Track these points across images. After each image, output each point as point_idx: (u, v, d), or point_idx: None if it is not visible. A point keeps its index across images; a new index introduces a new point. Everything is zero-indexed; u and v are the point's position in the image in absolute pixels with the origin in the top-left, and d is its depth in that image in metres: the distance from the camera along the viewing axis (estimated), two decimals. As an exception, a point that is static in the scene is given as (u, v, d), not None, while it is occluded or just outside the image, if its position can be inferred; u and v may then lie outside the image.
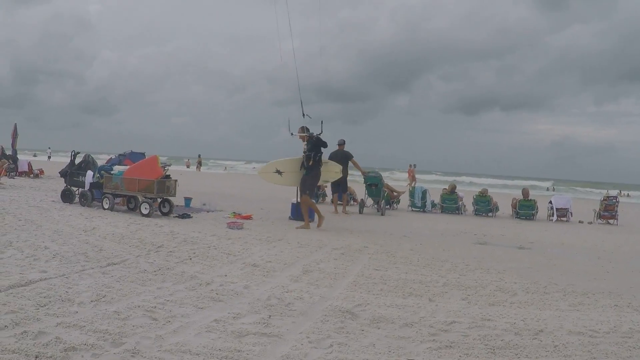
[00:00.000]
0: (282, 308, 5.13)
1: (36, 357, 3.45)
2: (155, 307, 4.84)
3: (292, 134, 12.45)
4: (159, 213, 11.80)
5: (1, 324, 3.96)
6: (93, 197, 12.49)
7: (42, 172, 23.32)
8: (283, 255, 7.92)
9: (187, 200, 14.25)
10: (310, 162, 11.77)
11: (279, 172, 12.71)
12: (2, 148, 21.76)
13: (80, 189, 12.89)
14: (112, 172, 12.21)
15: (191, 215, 12.12)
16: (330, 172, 13.32)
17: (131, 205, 12.17)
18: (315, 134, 12.00)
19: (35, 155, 54.58)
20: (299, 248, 8.68)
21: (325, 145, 12.11)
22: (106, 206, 11.93)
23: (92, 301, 4.84)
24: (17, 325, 4.00)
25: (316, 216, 11.85)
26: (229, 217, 12.15)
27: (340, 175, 13.86)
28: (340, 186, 15.66)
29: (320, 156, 11.91)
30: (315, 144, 11.85)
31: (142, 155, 13.68)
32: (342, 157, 15.28)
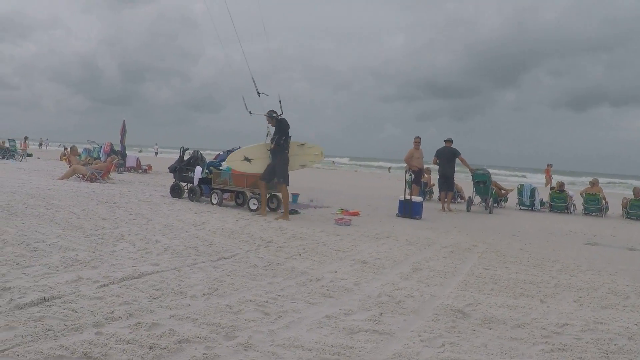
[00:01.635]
0: (393, 306, 5.18)
1: (150, 348, 3.64)
2: (267, 301, 4.98)
3: (250, 113, 12.21)
4: (267, 208, 12.08)
5: (116, 315, 4.22)
6: (202, 192, 13.10)
7: (150, 167, 24.73)
8: (392, 253, 8.05)
9: (295, 196, 14.65)
10: (272, 146, 11.37)
11: (247, 159, 12.14)
12: (112, 144, 23.26)
13: (189, 184, 13.54)
14: (220, 167, 12.74)
15: (299, 211, 12.47)
16: (309, 155, 12.44)
17: (239, 201, 12.68)
18: (278, 116, 11.56)
19: (141, 151, 57.92)
20: (408, 245, 8.81)
21: (286, 127, 11.42)
22: (214, 201, 12.47)
23: (204, 294, 5.05)
24: (131, 316, 4.24)
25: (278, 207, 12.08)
26: (337, 214, 12.51)
27: (322, 157, 12.94)
28: (447, 184, 15.98)
29: (284, 139, 11.36)
30: (279, 127, 11.38)
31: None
32: (450, 155, 15.78)
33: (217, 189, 12.62)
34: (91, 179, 16.59)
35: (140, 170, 23.78)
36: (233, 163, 12.43)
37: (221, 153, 14.73)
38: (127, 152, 25.10)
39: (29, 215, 8.78)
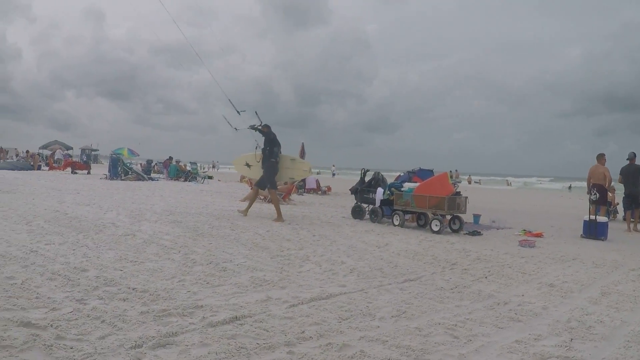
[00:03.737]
0: (583, 331, 5.04)
1: (343, 370, 3.76)
2: (455, 325, 4.98)
3: (235, 129, 13.64)
4: (449, 230, 12.21)
5: (306, 335, 4.42)
6: (383, 213, 13.33)
7: (329, 188, 25.57)
8: (579, 276, 7.88)
9: (476, 217, 14.71)
10: (261, 157, 13.16)
11: (247, 165, 14.04)
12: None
13: (370, 206, 13.83)
14: (402, 189, 12.94)
15: (481, 232, 12.45)
16: (299, 169, 13.94)
17: (421, 222, 12.76)
18: (259, 127, 13.02)
19: (319, 173, 59.98)
20: (594, 268, 8.60)
21: (267, 136, 12.95)
22: (396, 223, 12.64)
23: (392, 316, 5.14)
24: (322, 336, 4.42)
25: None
26: (520, 235, 12.40)
27: (310, 174, 14.88)
28: (634, 202, 15.30)
29: (269, 150, 12.93)
30: (267, 139, 12.98)
31: (431, 172, 14.36)
32: (635, 172, 15.27)
33: (398, 210, 12.79)
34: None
35: (319, 192, 24.66)
36: (237, 166, 14.84)
37: (402, 174, 14.90)
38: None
39: (215, 235, 9.53)
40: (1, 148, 53.07)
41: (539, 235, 12.41)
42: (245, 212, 13.20)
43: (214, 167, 73.65)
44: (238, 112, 13.64)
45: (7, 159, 46.62)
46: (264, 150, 13.05)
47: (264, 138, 13.07)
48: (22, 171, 33.31)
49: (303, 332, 4.49)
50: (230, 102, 13.74)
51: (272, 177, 13.04)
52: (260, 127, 13.03)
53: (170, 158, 37.83)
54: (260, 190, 17.91)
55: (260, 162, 13.25)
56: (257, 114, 13.47)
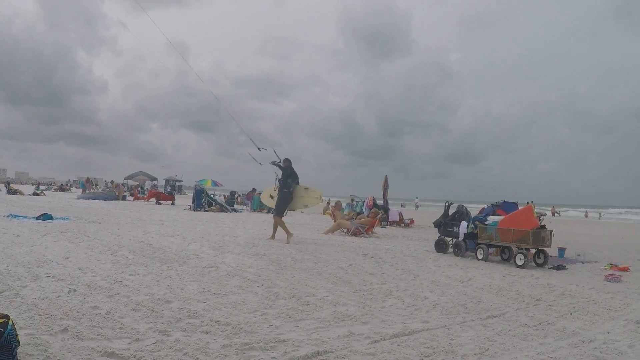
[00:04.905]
0: None
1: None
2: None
3: (260, 164, 15.20)
4: (533, 264, 11.84)
5: (389, 373, 4.32)
6: (467, 247, 13.05)
7: (412, 221, 25.29)
8: None
9: (561, 250, 14.25)
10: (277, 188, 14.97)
11: (271, 196, 15.75)
12: (374, 198, 24.32)
13: (454, 239, 13.58)
14: (486, 222, 12.67)
15: (566, 266, 12.01)
16: (311, 197, 15.24)
17: (505, 256, 12.41)
18: (279, 163, 14.76)
19: (403, 205, 59.53)
20: None
21: (284, 171, 14.67)
22: (480, 256, 12.34)
23: (475, 354, 4.98)
24: (404, 374, 4.31)
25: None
26: (606, 269, 11.92)
27: (320, 201, 16.35)
28: None
29: (284, 181, 14.59)
30: (284, 173, 14.69)
31: (515, 205, 13.97)
32: None
33: (482, 243, 12.49)
34: (355, 233, 17.49)
35: (402, 224, 24.45)
36: (264, 198, 16.85)
37: (485, 207, 14.60)
38: (389, 206, 26.02)
39: (298, 269, 9.56)
40: (88, 178, 55.38)
41: (625, 269, 11.89)
42: (288, 237, 14.26)
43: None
44: (259, 148, 15.26)
45: (95, 189, 48.47)
46: (280, 181, 14.77)
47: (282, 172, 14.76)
48: (107, 201, 34.73)
49: (385, 369, 4.40)
50: (252, 140, 15.42)
51: (281, 206, 14.77)
52: (278, 163, 14.77)
53: (254, 190, 38.48)
54: (343, 222, 18.03)
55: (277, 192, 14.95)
56: (275, 152, 15.11)
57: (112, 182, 49.81)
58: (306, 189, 15.20)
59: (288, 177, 14.59)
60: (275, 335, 5.33)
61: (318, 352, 4.79)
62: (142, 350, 4.67)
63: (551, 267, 11.62)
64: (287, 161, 14.82)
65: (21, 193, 41.25)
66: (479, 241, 12.63)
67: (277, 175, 15.00)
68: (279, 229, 14.80)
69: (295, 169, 14.83)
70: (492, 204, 14.37)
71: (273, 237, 14.78)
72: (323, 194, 15.88)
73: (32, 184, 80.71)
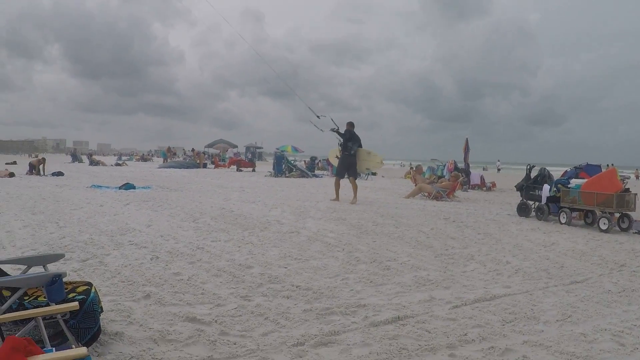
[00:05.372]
0: None
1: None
2: (622, 331, 4.70)
3: (322, 131, 15.96)
4: (617, 228, 11.42)
5: (469, 338, 4.38)
6: (549, 211, 12.75)
7: (494, 185, 24.81)
8: None
9: None
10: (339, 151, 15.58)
11: (337, 157, 16.01)
12: (455, 162, 23.95)
13: (536, 203, 13.29)
14: (569, 185, 12.33)
15: None
16: (373, 161, 15.86)
17: (588, 220, 12.04)
18: (337, 129, 15.28)
19: (485, 169, 58.30)
20: None
21: (343, 136, 15.15)
22: (563, 220, 12.05)
23: (557, 320, 4.94)
24: (484, 340, 4.35)
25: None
26: None
27: (382, 165, 17.08)
28: None
29: (344, 145, 15.08)
30: (344, 138, 15.13)
31: (598, 167, 13.50)
32: None
33: (565, 207, 12.17)
34: (437, 197, 17.36)
35: (484, 188, 24.02)
36: (331, 157, 18.12)
37: (568, 170, 14.18)
38: (470, 169, 25.58)
39: (379, 233, 9.62)
40: (169, 148, 56.54)
41: None
42: (336, 199, 15.32)
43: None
44: (318, 116, 16.09)
45: (175, 158, 49.09)
46: (341, 145, 15.30)
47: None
48: (188, 169, 35.11)
49: (465, 334, 4.45)
50: (310, 109, 16.21)
51: (341, 168, 15.40)
52: (336, 130, 15.31)
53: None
54: (424, 186, 17.94)
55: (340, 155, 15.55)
56: (332, 120, 15.68)
57: (192, 150, 50.48)
58: (369, 152, 15.62)
59: (348, 141, 15.03)
60: (356, 300, 5.43)
61: (399, 317, 4.86)
62: (223, 315, 4.83)
63: (636, 232, 11.14)
64: (349, 125, 15.35)
65: (103, 164, 42.11)
66: (561, 205, 12.31)
67: (339, 140, 15.42)
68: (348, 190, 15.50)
69: (357, 134, 15.33)
70: (574, 167, 13.97)
71: (337, 198, 15.36)
72: (384, 158, 16.60)
73: (114, 155, 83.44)
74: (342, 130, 15.26)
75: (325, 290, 5.74)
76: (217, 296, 5.43)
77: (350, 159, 15.10)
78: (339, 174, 15.51)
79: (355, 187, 15.17)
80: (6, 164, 36.58)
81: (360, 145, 15.28)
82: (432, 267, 7.07)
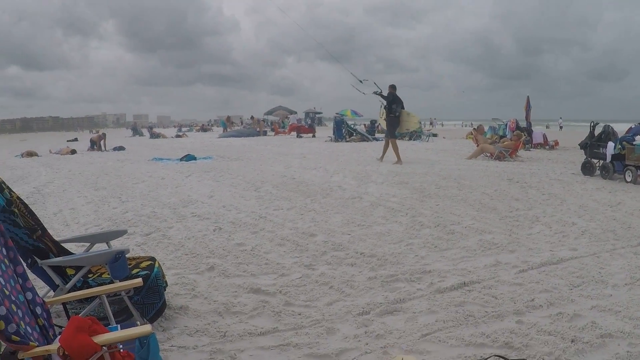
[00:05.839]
0: None
1: (572, 341, 3.65)
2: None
3: (364, 94, 16.89)
4: None
5: (536, 303, 4.34)
6: (614, 169, 12.38)
7: (557, 143, 24.15)
8: None
9: None
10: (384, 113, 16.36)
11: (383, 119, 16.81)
12: (517, 121, 23.33)
13: (601, 161, 12.92)
14: (634, 142, 11.91)
15: None
16: (411, 122, 16.95)
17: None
18: (381, 92, 16.18)
19: (547, 127, 56.67)
20: None
21: (386, 98, 15.97)
22: (628, 179, 11.70)
23: (626, 284, 4.84)
24: (552, 305, 4.32)
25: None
26: None
27: (419, 126, 19.31)
28: None
29: (388, 107, 15.88)
30: (388, 100, 15.88)
31: (664, 122, 12.99)
32: None
33: (631, 165, 11.78)
34: (499, 157, 17.07)
35: (547, 147, 23.41)
36: (380, 121, 18.35)
37: (633, 126, 13.69)
38: (532, 128, 24.96)
39: (442, 196, 9.57)
40: (228, 117, 56.69)
41: None
42: (380, 159, 16.45)
43: (431, 124, 71.83)
44: (360, 80, 16.94)
45: (234, 127, 48.87)
46: (386, 107, 16.01)
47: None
48: (248, 137, 35.22)
49: (533, 299, 4.42)
50: (352, 74, 17.30)
51: (391, 128, 16.16)
52: (379, 93, 16.17)
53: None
54: (486, 147, 17.70)
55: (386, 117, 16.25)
56: (375, 83, 16.50)
57: (251, 117, 50.33)
58: (408, 114, 16.60)
59: (392, 103, 15.83)
60: (421, 266, 5.43)
61: (464, 283, 4.85)
62: (287, 285, 4.87)
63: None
64: (391, 87, 16.10)
65: (164, 136, 42.35)
66: (627, 162, 11.93)
67: (383, 103, 16.27)
68: (390, 151, 16.12)
69: (400, 95, 16.14)
70: (639, 123, 13.47)
71: (382, 159, 16.39)
72: (421, 119, 17.93)
73: (174, 127, 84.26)
74: (385, 93, 16.11)
75: (389, 257, 5.75)
76: (281, 266, 5.49)
77: (396, 120, 16.06)
78: (392, 134, 16.27)
79: (396, 148, 15.98)
80: (67, 141, 37.59)
81: (403, 107, 16.14)
82: (496, 230, 7.01)
